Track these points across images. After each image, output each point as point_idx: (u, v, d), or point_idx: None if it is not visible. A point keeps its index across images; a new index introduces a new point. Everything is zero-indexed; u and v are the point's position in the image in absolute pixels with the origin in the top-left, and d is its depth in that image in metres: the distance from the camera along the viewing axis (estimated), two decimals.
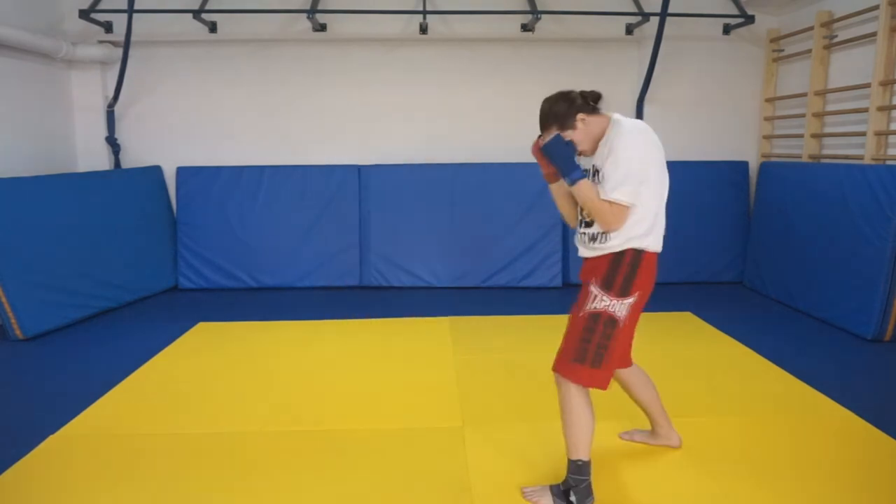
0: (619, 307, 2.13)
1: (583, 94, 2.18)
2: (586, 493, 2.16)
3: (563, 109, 2.15)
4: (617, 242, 2.12)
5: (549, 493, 2.21)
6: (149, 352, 3.84)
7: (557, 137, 2.13)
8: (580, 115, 2.14)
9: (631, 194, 2.05)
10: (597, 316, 2.13)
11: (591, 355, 2.12)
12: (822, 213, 4.53)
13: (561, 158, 2.12)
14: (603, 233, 2.14)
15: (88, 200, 4.82)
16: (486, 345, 3.97)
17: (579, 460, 2.15)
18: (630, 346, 2.41)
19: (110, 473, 2.46)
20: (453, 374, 3.46)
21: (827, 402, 3.04)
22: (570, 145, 2.13)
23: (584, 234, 2.22)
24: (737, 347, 3.88)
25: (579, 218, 2.26)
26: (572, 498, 2.15)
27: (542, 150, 2.17)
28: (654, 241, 2.16)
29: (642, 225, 2.12)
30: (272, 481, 2.40)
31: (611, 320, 2.13)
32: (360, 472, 2.46)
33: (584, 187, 2.09)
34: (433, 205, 5.54)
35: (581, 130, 2.15)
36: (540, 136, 2.22)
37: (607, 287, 2.13)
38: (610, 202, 2.06)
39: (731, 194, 5.70)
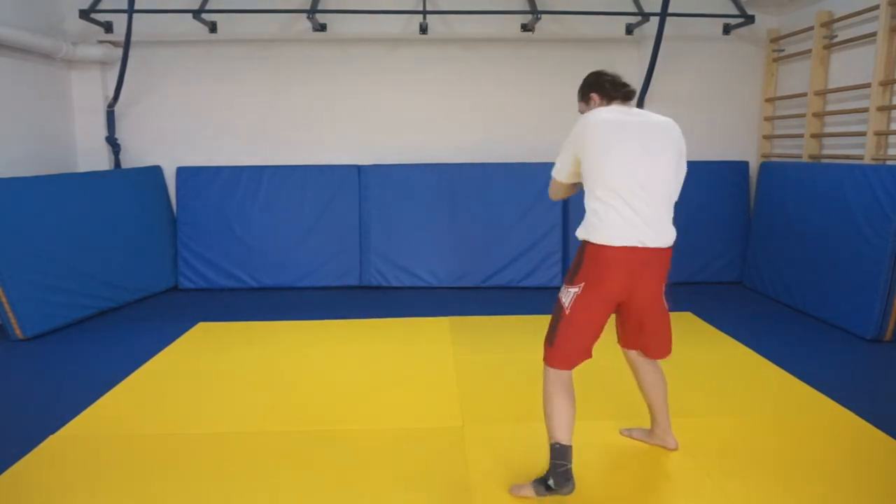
0: (565, 294, 2.25)
1: (614, 82, 2.34)
2: (564, 477, 2.16)
3: (587, 82, 2.40)
4: (581, 226, 2.26)
5: (531, 484, 2.24)
6: (149, 352, 3.84)
7: None
8: (594, 95, 2.34)
9: (555, 170, 2.37)
10: (557, 299, 2.30)
11: (549, 334, 2.28)
12: (822, 214, 4.53)
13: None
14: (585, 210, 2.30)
15: (88, 200, 4.82)
16: (486, 345, 3.97)
17: (557, 443, 2.17)
18: (656, 339, 2.43)
19: (110, 473, 2.46)
20: (453, 374, 3.46)
21: (827, 402, 3.04)
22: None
23: None
24: (737, 347, 3.88)
25: None
26: (550, 481, 2.16)
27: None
28: (599, 232, 2.17)
29: (587, 214, 2.23)
30: (272, 481, 2.40)
31: (559, 304, 2.27)
32: (360, 472, 2.46)
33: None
34: (433, 205, 5.54)
35: (591, 108, 2.32)
36: None
37: (565, 274, 2.36)
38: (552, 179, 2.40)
39: (731, 194, 5.70)
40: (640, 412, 2.66)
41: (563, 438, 2.17)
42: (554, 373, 2.24)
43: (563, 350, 2.24)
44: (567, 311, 2.23)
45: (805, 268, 4.69)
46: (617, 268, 2.18)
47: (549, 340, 2.27)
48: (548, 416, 2.22)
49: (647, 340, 2.43)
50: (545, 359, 2.28)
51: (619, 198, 2.14)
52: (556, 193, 2.47)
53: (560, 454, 2.16)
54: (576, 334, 2.24)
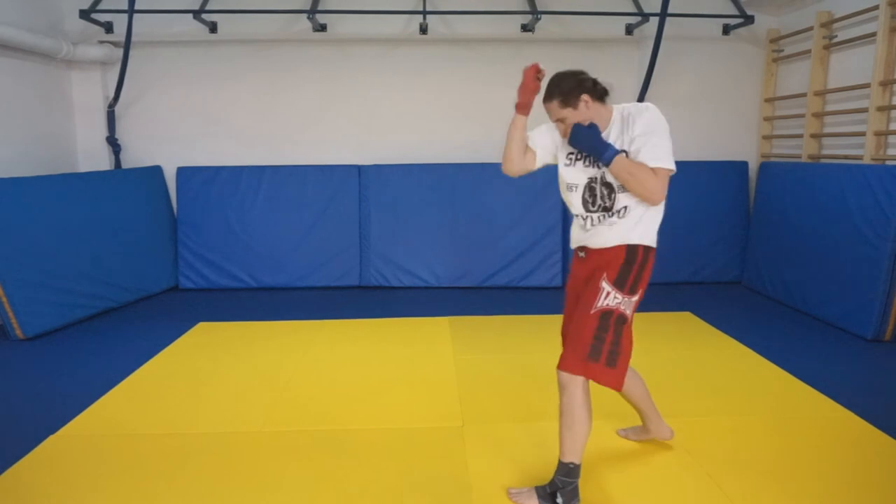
0: (628, 305, 2.13)
1: (595, 80, 2.18)
2: (573, 495, 2.15)
3: (570, 86, 2.15)
4: (633, 222, 2.11)
5: (534, 494, 2.20)
6: (149, 352, 3.84)
7: (578, 126, 2.12)
8: (585, 97, 2.13)
9: (672, 161, 2.06)
10: (608, 314, 2.10)
11: (606, 354, 2.09)
12: (822, 214, 4.53)
13: (592, 142, 2.10)
14: (625, 207, 2.11)
15: (88, 200, 4.82)
16: (486, 345, 3.97)
17: (571, 463, 2.14)
18: None
19: (110, 473, 2.46)
20: (453, 374, 3.46)
21: (827, 402, 3.04)
22: (595, 127, 2.11)
23: (603, 214, 2.15)
24: (737, 347, 3.88)
25: (589, 204, 2.18)
26: (559, 500, 2.14)
27: (572, 144, 2.15)
28: (654, 236, 2.17)
29: (659, 216, 2.15)
30: (272, 481, 2.40)
31: (621, 318, 2.11)
32: (360, 472, 2.46)
33: (621, 161, 2.06)
34: (433, 205, 5.54)
35: (581, 112, 2.14)
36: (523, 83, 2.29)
37: (620, 285, 2.11)
38: (654, 169, 2.04)
39: (731, 194, 5.70)
40: (631, 409, 2.65)
41: (578, 458, 2.14)
42: (586, 392, 2.13)
43: (625, 368, 2.15)
44: (630, 322, 2.12)
45: (805, 268, 4.70)
46: None
47: (611, 362, 2.09)
48: (571, 436, 2.11)
49: None
50: (603, 381, 2.10)
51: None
52: (664, 187, 2.07)
53: (573, 473, 2.14)
54: (630, 344, 2.16)
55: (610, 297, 2.11)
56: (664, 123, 2.09)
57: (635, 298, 2.14)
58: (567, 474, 2.14)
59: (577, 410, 2.11)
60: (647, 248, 2.14)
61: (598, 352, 2.09)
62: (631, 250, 2.12)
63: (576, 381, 2.11)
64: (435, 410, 3.01)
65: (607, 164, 2.08)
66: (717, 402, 3.08)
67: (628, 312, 2.13)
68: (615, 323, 2.10)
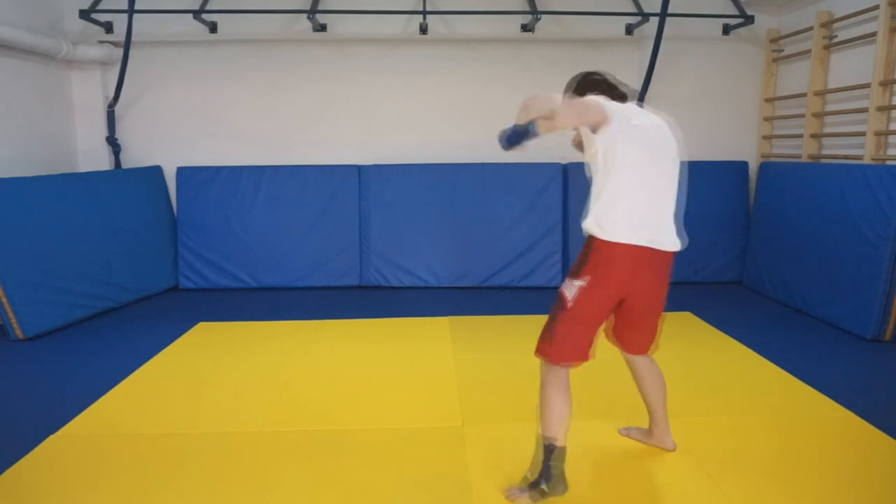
0: (570, 287, 2.19)
1: (611, 85, 2.30)
2: (558, 480, 2.15)
3: (582, 82, 2.32)
4: (591, 213, 2.19)
5: (526, 489, 2.22)
6: (149, 352, 3.84)
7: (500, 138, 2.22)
8: (590, 95, 2.23)
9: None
10: (558, 294, 2.24)
11: (545, 329, 2.22)
12: (822, 214, 4.53)
13: (513, 135, 2.19)
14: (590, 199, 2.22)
15: (88, 200, 4.82)
16: (486, 345, 3.97)
17: (551, 444, 2.15)
18: (636, 336, 2.42)
19: (110, 473, 2.46)
20: (453, 374, 3.46)
21: (827, 402, 3.04)
22: (505, 130, 2.23)
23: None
24: (736, 347, 3.88)
25: None
26: (543, 485, 2.15)
27: (507, 147, 2.24)
28: (610, 226, 2.15)
29: (606, 205, 2.16)
30: (272, 481, 2.40)
31: (560, 298, 2.20)
32: (360, 472, 2.46)
33: (540, 121, 2.10)
34: (433, 205, 5.54)
35: None
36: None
37: (570, 269, 2.25)
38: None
39: (731, 194, 5.70)
40: (638, 411, 2.66)
41: (557, 438, 2.15)
42: (554, 371, 2.19)
43: (563, 347, 2.20)
44: (569, 306, 2.17)
45: (805, 268, 4.70)
46: (622, 265, 2.20)
47: (545, 336, 2.22)
48: (542, 415, 2.18)
49: (634, 335, 2.44)
50: (540, 352, 2.22)
51: (632, 192, 2.21)
52: (577, 109, 2.16)
53: (554, 455, 2.15)
54: (574, 330, 2.20)
55: (564, 281, 2.25)
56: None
57: (577, 282, 2.17)
58: (550, 457, 2.15)
59: (547, 389, 2.19)
60: (590, 237, 2.19)
61: (545, 327, 2.23)
62: (588, 239, 2.23)
63: (544, 362, 2.23)
64: (435, 410, 3.01)
65: (538, 132, 2.11)
66: (717, 402, 3.08)
67: (567, 294, 2.18)
68: (557, 302, 2.22)
